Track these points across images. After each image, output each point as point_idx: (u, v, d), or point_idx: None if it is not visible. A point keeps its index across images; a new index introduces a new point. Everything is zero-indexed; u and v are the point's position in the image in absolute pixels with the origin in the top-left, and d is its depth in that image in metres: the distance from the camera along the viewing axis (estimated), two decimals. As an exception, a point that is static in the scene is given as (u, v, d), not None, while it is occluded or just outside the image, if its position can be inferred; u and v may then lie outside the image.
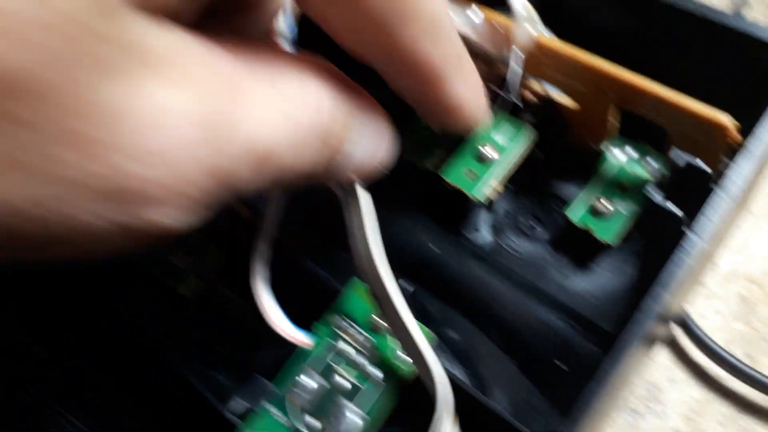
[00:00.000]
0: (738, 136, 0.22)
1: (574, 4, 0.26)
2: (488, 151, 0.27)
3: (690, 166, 0.22)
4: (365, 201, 0.20)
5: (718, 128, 0.22)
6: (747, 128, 0.22)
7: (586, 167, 0.28)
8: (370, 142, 0.18)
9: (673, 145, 0.24)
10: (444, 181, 0.27)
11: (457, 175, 0.27)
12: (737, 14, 0.22)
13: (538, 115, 0.29)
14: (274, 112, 0.14)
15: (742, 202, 0.26)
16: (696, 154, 0.24)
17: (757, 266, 0.30)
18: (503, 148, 0.27)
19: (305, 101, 0.15)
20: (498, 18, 0.26)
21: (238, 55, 0.14)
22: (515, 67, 0.26)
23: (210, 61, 0.13)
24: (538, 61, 0.26)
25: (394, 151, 0.19)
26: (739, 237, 0.31)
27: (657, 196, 0.24)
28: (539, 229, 0.29)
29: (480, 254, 0.28)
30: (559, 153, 0.29)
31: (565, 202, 0.28)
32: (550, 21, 0.26)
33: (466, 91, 0.19)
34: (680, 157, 0.23)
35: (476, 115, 0.20)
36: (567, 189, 0.29)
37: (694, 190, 0.22)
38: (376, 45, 0.17)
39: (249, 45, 0.15)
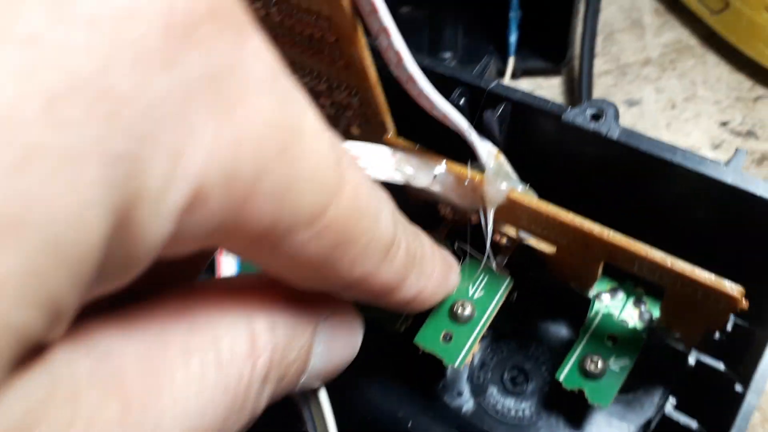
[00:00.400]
0: (745, 304, 0.20)
1: (552, 155, 0.24)
2: (464, 309, 0.25)
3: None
4: (327, 405, 0.19)
5: (724, 298, 0.20)
6: (748, 282, 0.20)
7: (572, 308, 0.26)
8: (334, 347, 0.17)
9: (669, 301, 0.23)
10: (418, 346, 0.24)
11: (432, 339, 0.25)
12: (732, 163, 0.20)
13: (513, 258, 0.26)
14: (191, 398, 0.13)
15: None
16: (695, 311, 0.22)
17: None
18: (479, 303, 0.25)
19: (231, 355, 0.14)
20: (468, 173, 0.24)
21: (147, 339, 0.13)
22: (488, 221, 0.24)
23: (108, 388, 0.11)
24: (513, 213, 0.24)
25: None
26: None
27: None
28: (526, 384, 0.26)
29: (462, 422, 0.25)
30: (540, 294, 0.27)
31: (551, 349, 0.26)
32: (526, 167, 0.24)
33: (426, 283, 0.19)
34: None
35: (439, 295, 0.20)
36: (553, 333, 0.27)
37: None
38: (319, 279, 0.15)
39: (163, 311, 0.14)
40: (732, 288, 0.20)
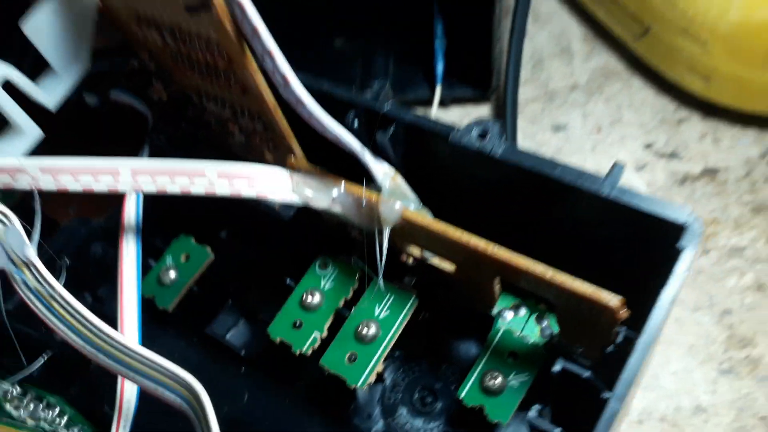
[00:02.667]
0: (625, 314, 0.21)
1: (446, 175, 0.24)
2: (368, 329, 0.25)
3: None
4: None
5: (605, 309, 0.21)
6: (634, 293, 0.21)
7: (478, 325, 0.26)
8: None
9: (561, 316, 0.23)
10: (323, 368, 0.24)
11: (337, 361, 0.25)
12: (611, 180, 0.21)
13: (418, 277, 0.26)
14: None
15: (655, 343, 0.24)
16: (585, 324, 0.22)
17: (670, 404, 0.29)
18: (385, 322, 0.25)
19: None
20: (365, 193, 0.24)
21: None
22: (384, 240, 0.24)
23: None
24: (410, 232, 0.24)
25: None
26: (647, 372, 0.29)
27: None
28: (434, 404, 0.26)
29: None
30: (447, 312, 0.27)
31: (458, 366, 0.26)
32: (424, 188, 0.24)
33: None
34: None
35: None
36: (460, 350, 0.27)
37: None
38: None
39: None
40: (610, 299, 0.20)
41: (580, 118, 0.41)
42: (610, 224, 0.22)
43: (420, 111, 0.42)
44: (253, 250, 0.31)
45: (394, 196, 0.24)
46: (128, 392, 0.23)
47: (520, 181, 0.22)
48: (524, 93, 0.41)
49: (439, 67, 0.40)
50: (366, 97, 0.25)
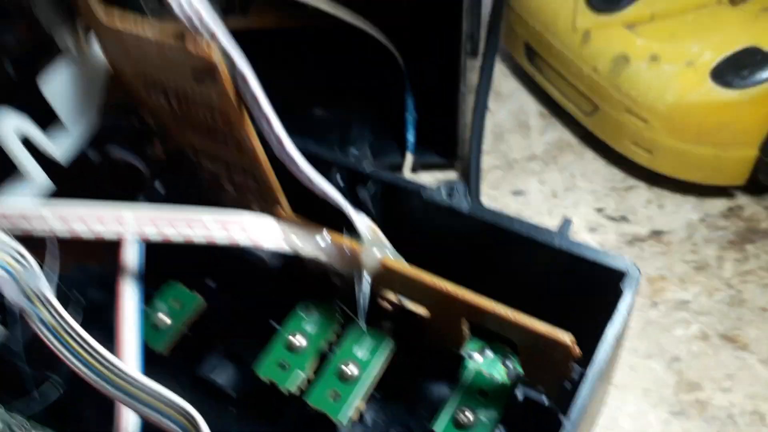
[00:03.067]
0: (576, 349, 0.23)
1: (419, 227, 0.27)
2: (350, 368, 0.27)
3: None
4: None
5: (559, 345, 0.23)
6: (586, 334, 0.23)
7: (450, 368, 0.29)
8: None
9: (522, 355, 0.25)
10: (307, 405, 0.27)
11: (321, 397, 0.27)
12: (561, 233, 0.24)
13: (395, 321, 0.29)
14: None
15: (605, 376, 0.27)
16: (543, 361, 0.25)
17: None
18: (365, 363, 0.27)
19: None
20: (348, 242, 0.27)
21: None
22: (365, 285, 0.27)
23: None
24: (388, 278, 0.27)
25: None
26: (606, 414, 0.32)
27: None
28: (410, 441, 0.28)
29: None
30: (422, 355, 0.29)
31: (433, 406, 0.28)
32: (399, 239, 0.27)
33: None
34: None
35: None
36: (434, 391, 0.29)
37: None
38: None
39: None
40: (563, 335, 0.23)
41: (537, 185, 0.44)
42: (562, 271, 0.25)
43: (392, 176, 0.45)
44: (240, 296, 0.33)
45: (374, 245, 0.27)
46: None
47: (482, 233, 0.26)
48: (486, 162, 0.45)
49: (410, 137, 0.43)
50: (349, 159, 0.28)
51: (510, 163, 0.46)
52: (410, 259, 0.28)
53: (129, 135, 0.31)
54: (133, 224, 0.25)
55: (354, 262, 0.27)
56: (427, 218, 0.27)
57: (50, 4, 0.26)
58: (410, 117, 0.44)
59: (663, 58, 0.39)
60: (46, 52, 0.27)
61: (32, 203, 0.25)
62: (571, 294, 0.25)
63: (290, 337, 0.28)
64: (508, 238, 0.25)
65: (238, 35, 0.37)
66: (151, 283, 0.32)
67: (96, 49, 0.28)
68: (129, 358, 0.27)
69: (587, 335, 0.24)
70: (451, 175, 0.45)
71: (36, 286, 0.23)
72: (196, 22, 0.22)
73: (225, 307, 0.32)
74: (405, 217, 0.28)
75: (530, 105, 0.49)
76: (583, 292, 0.25)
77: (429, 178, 0.45)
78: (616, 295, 0.23)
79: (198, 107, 0.26)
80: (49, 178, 0.28)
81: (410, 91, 0.44)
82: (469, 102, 0.44)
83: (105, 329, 0.27)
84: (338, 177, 0.27)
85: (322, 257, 0.28)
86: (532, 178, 0.45)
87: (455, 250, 0.27)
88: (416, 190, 0.26)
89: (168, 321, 0.31)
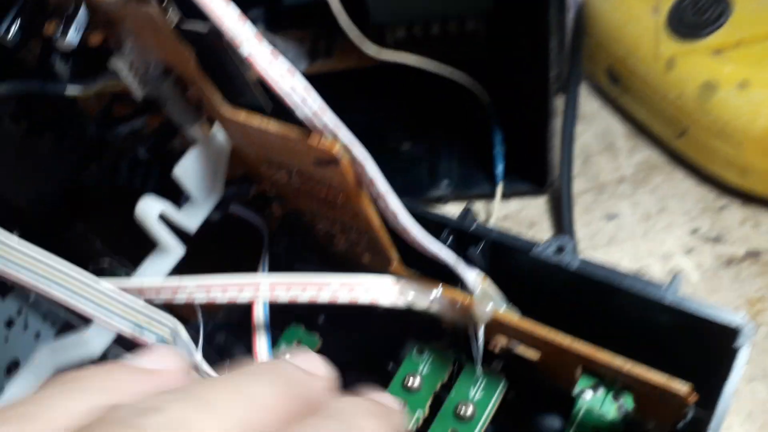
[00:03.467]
0: (694, 398, 0.25)
1: (528, 281, 0.29)
2: (466, 409, 0.29)
3: None
4: None
5: (676, 395, 0.25)
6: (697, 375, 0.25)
7: (561, 404, 0.30)
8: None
9: (636, 397, 0.27)
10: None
11: (441, 435, 0.29)
12: (671, 288, 0.25)
13: (505, 362, 0.31)
14: None
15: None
16: (659, 405, 0.26)
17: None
18: (480, 403, 0.29)
19: None
20: (460, 296, 0.29)
21: None
22: (479, 336, 0.28)
23: None
24: (499, 326, 0.29)
25: None
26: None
27: None
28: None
29: None
30: (533, 393, 0.31)
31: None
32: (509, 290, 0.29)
33: None
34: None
35: None
36: (546, 427, 0.31)
37: None
38: None
39: None
40: (680, 387, 0.25)
41: (629, 208, 0.45)
42: (674, 325, 0.26)
43: (483, 204, 0.47)
44: (353, 335, 0.35)
45: (485, 297, 0.29)
46: None
47: (591, 288, 0.27)
48: (576, 186, 0.46)
49: (499, 169, 0.45)
50: (456, 220, 0.30)
51: (600, 186, 0.46)
52: (521, 309, 0.29)
53: (249, 202, 0.34)
54: (266, 290, 0.28)
55: (466, 315, 0.29)
56: (535, 273, 0.28)
57: (180, 103, 0.29)
58: (498, 150, 0.45)
59: (754, 83, 0.39)
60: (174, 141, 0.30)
61: (178, 277, 0.28)
62: (683, 344, 0.26)
63: (407, 378, 0.31)
64: (617, 294, 0.26)
65: (324, 77, 0.39)
66: (275, 325, 0.35)
67: (221, 135, 0.30)
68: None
69: (698, 376, 0.25)
70: (540, 201, 0.46)
71: (189, 355, 0.26)
72: (317, 123, 0.25)
73: (339, 349, 0.35)
74: (514, 272, 0.29)
75: (615, 126, 0.50)
76: (696, 343, 0.26)
77: (518, 205, 0.47)
78: (730, 347, 0.24)
79: (318, 183, 0.29)
80: (183, 246, 0.31)
81: (497, 124, 0.45)
82: (554, 126, 0.45)
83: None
84: (449, 236, 0.29)
85: (435, 310, 0.30)
86: (623, 201, 0.45)
87: (564, 303, 0.29)
88: (524, 248, 0.28)
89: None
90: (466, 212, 0.30)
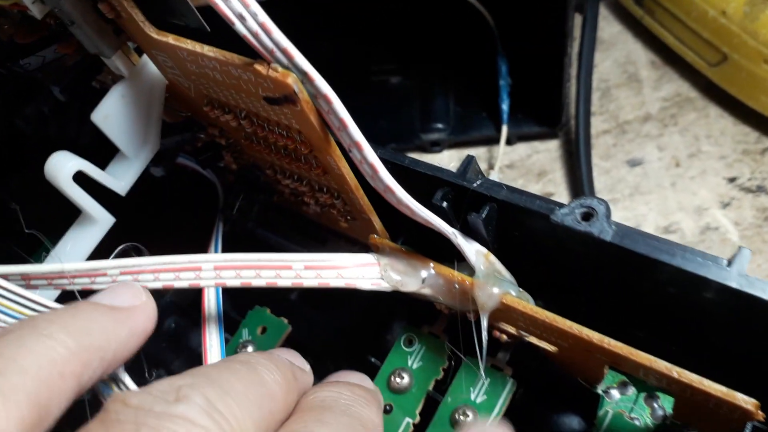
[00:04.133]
0: (761, 416, 0.19)
1: (544, 255, 0.23)
2: (465, 416, 0.23)
3: None
4: None
5: (738, 409, 0.19)
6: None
7: (582, 403, 0.25)
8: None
9: (679, 403, 0.21)
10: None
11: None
12: (735, 264, 0.19)
13: (513, 352, 0.25)
14: None
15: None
16: (709, 415, 0.20)
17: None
18: (482, 407, 0.24)
19: None
20: (458, 276, 0.22)
21: None
22: (483, 326, 0.22)
23: None
24: (508, 314, 0.22)
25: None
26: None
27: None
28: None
29: None
30: (547, 388, 0.25)
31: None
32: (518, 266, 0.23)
33: None
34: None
35: None
36: (562, 428, 0.25)
37: None
38: None
39: None
40: (745, 401, 0.19)
41: (655, 152, 0.38)
42: (735, 315, 0.20)
43: (484, 150, 0.40)
44: (329, 319, 0.29)
45: (489, 278, 0.23)
46: None
47: (630, 266, 0.21)
48: (594, 125, 0.39)
49: (505, 106, 0.38)
50: (452, 173, 0.23)
51: (621, 126, 0.40)
52: (529, 288, 0.23)
53: (196, 153, 0.27)
54: (210, 275, 0.22)
55: (466, 299, 0.23)
56: (556, 244, 0.22)
57: (90, 23, 0.22)
58: (504, 83, 0.38)
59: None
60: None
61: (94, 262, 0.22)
62: (744, 340, 0.20)
63: (393, 376, 0.25)
64: (662, 272, 0.20)
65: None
66: (239, 308, 0.29)
67: (151, 67, 0.23)
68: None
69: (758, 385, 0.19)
70: (552, 145, 0.40)
71: None
72: (265, 40, 0.18)
73: (314, 334, 0.29)
74: (525, 242, 0.23)
75: (639, 53, 0.42)
76: (759, 337, 0.20)
77: (526, 150, 0.40)
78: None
79: (275, 130, 0.22)
80: (112, 210, 0.25)
81: (503, 52, 0.38)
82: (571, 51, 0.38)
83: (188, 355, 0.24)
84: (443, 200, 0.23)
85: (427, 292, 0.23)
86: (649, 143, 0.39)
87: (591, 282, 0.23)
88: (543, 211, 0.21)
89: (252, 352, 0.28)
90: (468, 163, 0.23)
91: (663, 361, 0.20)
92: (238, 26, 0.18)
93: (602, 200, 0.21)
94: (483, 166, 0.39)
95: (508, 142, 0.39)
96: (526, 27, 0.36)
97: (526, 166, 0.39)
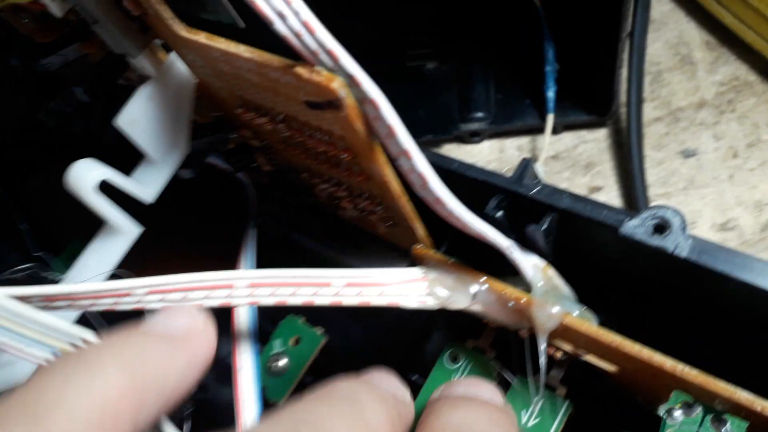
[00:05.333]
0: None
1: (609, 269, 0.21)
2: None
3: None
4: None
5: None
6: None
7: (636, 421, 0.23)
8: None
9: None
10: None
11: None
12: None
13: (567, 370, 0.23)
14: None
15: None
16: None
17: None
18: (533, 430, 0.22)
19: None
20: (513, 293, 0.21)
21: None
22: (540, 349, 0.21)
23: None
24: (568, 334, 0.21)
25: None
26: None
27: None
28: None
29: None
30: (603, 409, 0.24)
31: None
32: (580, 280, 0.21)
33: None
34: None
35: None
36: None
37: None
38: None
39: None
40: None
41: (711, 141, 0.36)
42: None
43: (528, 140, 0.38)
44: (364, 327, 0.28)
45: (548, 295, 0.21)
46: None
47: (706, 283, 0.19)
48: (644, 113, 0.37)
49: (551, 93, 0.36)
50: (507, 178, 0.21)
51: (674, 113, 0.37)
52: (589, 302, 0.21)
53: (228, 155, 0.25)
54: (245, 293, 0.20)
55: (522, 317, 0.21)
56: (621, 258, 0.20)
57: (115, 22, 0.20)
58: (550, 69, 0.36)
59: None
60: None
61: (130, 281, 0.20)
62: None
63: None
64: (745, 293, 0.18)
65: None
66: (271, 318, 0.28)
67: (180, 66, 0.22)
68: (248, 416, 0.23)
69: None
70: (599, 134, 0.37)
71: None
72: (308, 41, 0.16)
73: (349, 345, 0.28)
74: (588, 255, 0.21)
75: (692, 33, 0.40)
76: None
77: (572, 140, 0.38)
78: None
79: (315, 135, 0.20)
80: (137, 223, 0.24)
81: (549, 37, 0.36)
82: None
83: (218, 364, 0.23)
84: (497, 209, 0.21)
85: (477, 309, 0.22)
86: (704, 132, 0.36)
87: (656, 297, 0.21)
88: (609, 223, 0.19)
89: (285, 364, 0.26)
90: (524, 167, 0.21)
91: (744, 392, 0.18)
92: (278, 25, 0.16)
93: (677, 211, 0.19)
94: (526, 157, 0.37)
95: (554, 132, 0.37)
96: (576, 10, 0.34)
97: (572, 157, 0.37)
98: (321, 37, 0.16)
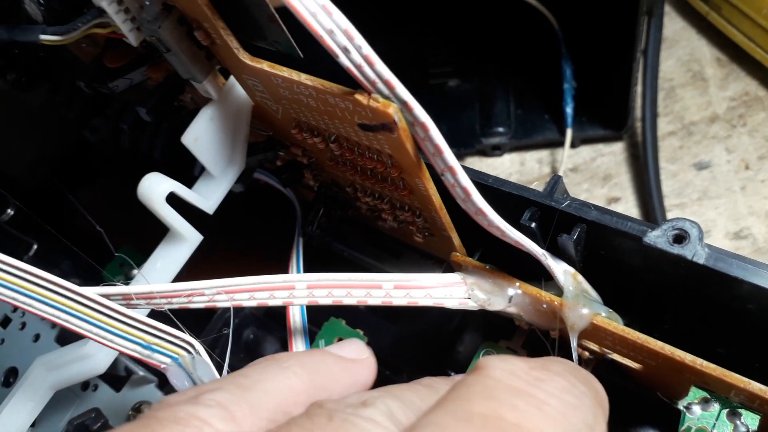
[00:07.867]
0: None
1: (633, 276, 0.23)
2: None
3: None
4: None
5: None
6: None
7: (658, 414, 0.25)
8: None
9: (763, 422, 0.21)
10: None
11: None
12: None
13: (593, 367, 0.25)
14: None
15: None
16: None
17: None
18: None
19: None
20: (546, 297, 0.23)
21: None
22: (571, 347, 0.23)
23: None
24: (596, 334, 0.23)
25: None
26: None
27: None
28: None
29: None
30: (624, 401, 0.25)
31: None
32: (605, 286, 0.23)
33: None
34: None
35: None
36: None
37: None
38: None
39: None
40: None
41: (724, 154, 0.38)
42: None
43: (547, 153, 0.40)
44: (400, 328, 0.30)
45: (578, 298, 0.23)
46: None
47: (722, 287, 0.21)
48: (659, 127, 0.39)
49: (569, 110, 0.38)
50: (540, 192, 0.23)
51: (687, 127, 0.39)
52: (614, 305, 0.23)
53: (277, 172, 0.28)
54: (304, 293, 0.22)
55: (554, 318, 0.23)
56: (646, 265, 0.22)
57: (184, 50, 0.22)
58: (568, 86, 0.38)
59: None
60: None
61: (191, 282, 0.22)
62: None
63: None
64: (758, 296, 0.20)
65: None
66: (312, 318, 0.30)
67: (239, 90, 0.24)
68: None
69: None
70: (616, 147, 0.39)
71: (204, 372, 0.21)
72: (368, 72, 0.18)
73: (387, 345, 0.29)
74: (614, 263, 0.23)
75: (703, 50, 0.42)
76: None
77: (590, 153, 0.40)
78: None
79: (364, 153, 0.22)
80: (199, 231, 0.26)
81: (567, 55, 0.38)
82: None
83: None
84: (531, 221, 0.23)
85: (513, 311, 0.24)
86: (716, 145, 0.38)
87: (675, 300, 0.23)
88: (634, 234, 0.21)
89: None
90: (555, 183, 0.23)
91: (757, 383, 0.20)
92: (342, 59, 0.18)
93: (694, 222, 0.21)
94: (546, 169, 0.39)
95: (572, 145, 0.39)
96: (592, 30, 0.36)
97: (590, 169, 0.39)
98: (380, 69, 0.18)
